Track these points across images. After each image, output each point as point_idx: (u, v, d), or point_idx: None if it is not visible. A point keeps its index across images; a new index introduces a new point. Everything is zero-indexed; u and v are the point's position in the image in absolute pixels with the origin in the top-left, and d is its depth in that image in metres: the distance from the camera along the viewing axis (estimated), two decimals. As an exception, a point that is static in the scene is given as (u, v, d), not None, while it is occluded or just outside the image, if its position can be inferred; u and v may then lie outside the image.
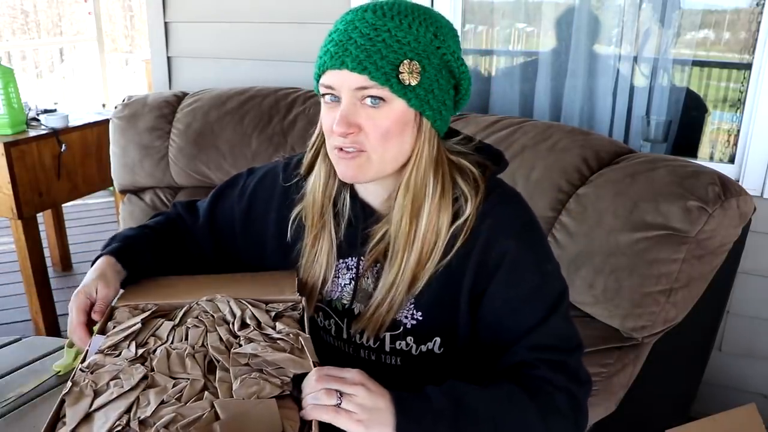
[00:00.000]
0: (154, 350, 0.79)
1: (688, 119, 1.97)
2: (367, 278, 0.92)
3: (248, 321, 0.84)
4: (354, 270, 0.93)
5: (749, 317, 1.84)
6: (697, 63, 1.96)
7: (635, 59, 1.94)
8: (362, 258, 0.92)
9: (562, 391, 0.82)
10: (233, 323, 0.83)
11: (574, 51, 1.97)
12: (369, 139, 0.82)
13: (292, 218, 0.97)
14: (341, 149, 0.83)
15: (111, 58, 6.51)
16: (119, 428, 0.67)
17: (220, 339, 0.81)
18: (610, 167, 1.43)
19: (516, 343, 0.85)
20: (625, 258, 1.30)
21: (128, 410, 0.70)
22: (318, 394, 0.72)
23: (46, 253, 2.97)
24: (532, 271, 0.86)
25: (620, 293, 1.30)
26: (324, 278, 0.94)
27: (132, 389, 0.72)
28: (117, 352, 0.79)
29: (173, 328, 0.83)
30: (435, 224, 0.86)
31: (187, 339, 0.81)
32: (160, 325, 0.84)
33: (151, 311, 0.87)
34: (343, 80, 0.80)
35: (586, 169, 1.45)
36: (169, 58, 2.47)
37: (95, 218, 3.90)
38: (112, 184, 2.23)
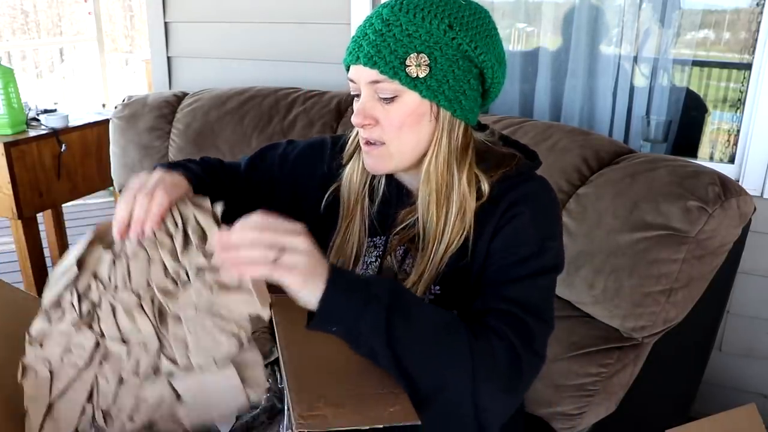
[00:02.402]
0: (99, 304, 0.75)
1: (688, 119, 1.97)
2: (391, 257, 0.94)
3: (191, 234, 0.77)
4: (381, 248, 0.95)
5: (749, 317, 1.84)
6: (697, 63, 1.96)
7: (635, 59, 1.94)
8: (390, 237, 0.94)
9: (506, 344, 0.78)
10: (175, 237, 0.77)
11: (574, 51, 1.97)
12: (385, 132, 0.85)
13: (327, 193, 1.00)
14: (367, 142, 0.87)
15: (111, 58, 6.51)
16: (86, 424, 0.67)
17: (165, 270, 0.76)
18: (610, 167, 1.43)
19: (491, 290, 0.85)
20: (625, 258, 1.30)
21: (89, 397, 0.68)
22: (252, 247, 0.68)
23: (46, 253, 2.97)
24: (532, 243, 0.86)
25: (620, 293, 1.30)
26: (356, 256, 0.96)
27: (87, 366, 0.70)
28: (60, 311, 0.75)
29: (113, 262, 0.78)
30: (465, 212, 0.87)
31: (129, 277, 0.76)
32: (99, 259, 0.78)
33: (88, 241, 0.80)
34: (360, 75, 0.85)
35: (586, 169, 1.45)
36: (169, 58, 2.47)
37: (95, 218, 3.90)
38: (112, 184, 2.23)
